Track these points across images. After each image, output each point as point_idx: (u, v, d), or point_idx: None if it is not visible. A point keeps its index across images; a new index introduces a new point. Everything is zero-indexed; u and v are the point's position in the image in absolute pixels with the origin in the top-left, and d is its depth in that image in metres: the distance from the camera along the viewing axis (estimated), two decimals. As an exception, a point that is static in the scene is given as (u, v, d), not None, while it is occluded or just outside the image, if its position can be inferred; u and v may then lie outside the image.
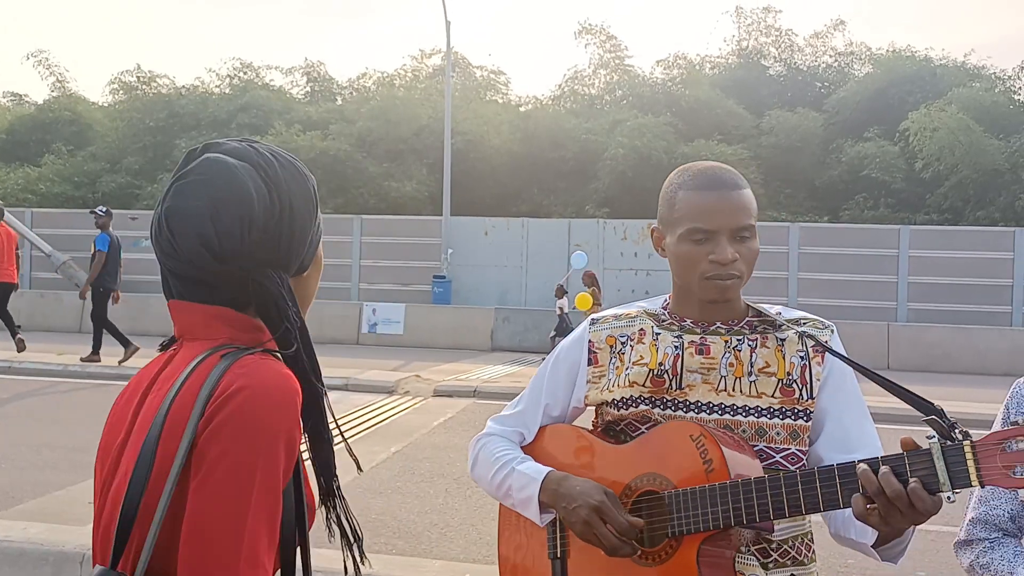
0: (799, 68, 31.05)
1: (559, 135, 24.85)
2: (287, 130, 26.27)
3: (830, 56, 31.44)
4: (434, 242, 18.96)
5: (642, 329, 1.72)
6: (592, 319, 1.82)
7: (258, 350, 1.09)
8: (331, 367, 11.91)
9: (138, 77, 32.34)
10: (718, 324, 1.66)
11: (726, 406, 1.62)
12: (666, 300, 1.76)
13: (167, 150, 28.40)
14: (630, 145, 22.59)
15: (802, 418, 1.61)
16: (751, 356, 1.63)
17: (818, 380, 1.62)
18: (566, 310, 14.89)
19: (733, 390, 1.62)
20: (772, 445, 1.60)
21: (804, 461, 1.61)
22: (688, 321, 1.68)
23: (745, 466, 1.51)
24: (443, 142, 19.54)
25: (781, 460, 1.60)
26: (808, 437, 1.62)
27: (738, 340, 1.64)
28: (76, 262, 19.46)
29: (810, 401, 1.61)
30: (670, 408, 1.64)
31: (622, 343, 1.72)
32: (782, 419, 1.60)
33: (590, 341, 1.76)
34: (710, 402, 1.62)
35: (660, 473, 1.56)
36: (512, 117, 27.01)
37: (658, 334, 1.69)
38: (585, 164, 23.98)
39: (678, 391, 1.63)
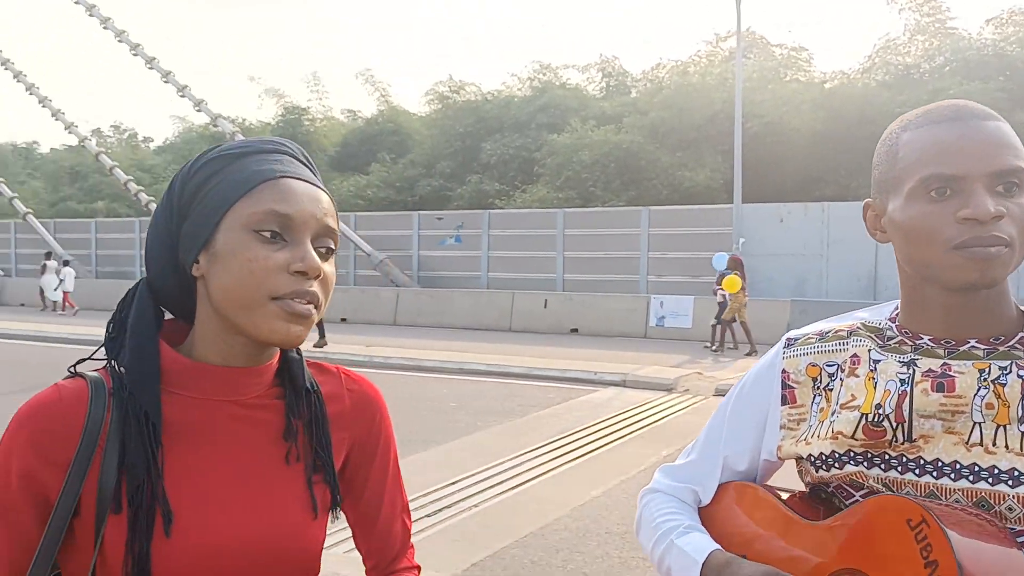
0: None
1: (869, 111, 22.80)
2: (582, 126, 26.77)
3: None
4: (725, 231, 18.25)
5: (856, 355, 1.20)
6: (788, 339, 1.33)
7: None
8: (610, 362, 11.90)
9: (450, 87, 34.69)
10: (972, 343, 1.11)
11: (982, 469, 1.07)
12: (896, 308, 1.22)
13: (475, 153, 30.17)
14: (954, 116, 20.11)
15: None
16: None
17: None
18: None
19: (994, 445, 1.07)
20: None
21: None
22: (926, 339, 1.14)
23: (996, 572, 1.00)
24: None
25: None
26: None
27: (1002, 369, 1.09)
28: (392, 260, 21.32)
29: None
30: (895, 469, 1.11)
31: (829, 374, 1.22)
32: None
33: (784, 371, 1.26)
34: (956, 462, 1.08)
35: (862, 571, 1.09)
36: (815, 95, 25.26)
37: (877, 361, 1.17)
38: (899, 141, 21.76)
39: (907, 444, 1.11)
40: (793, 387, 1.25)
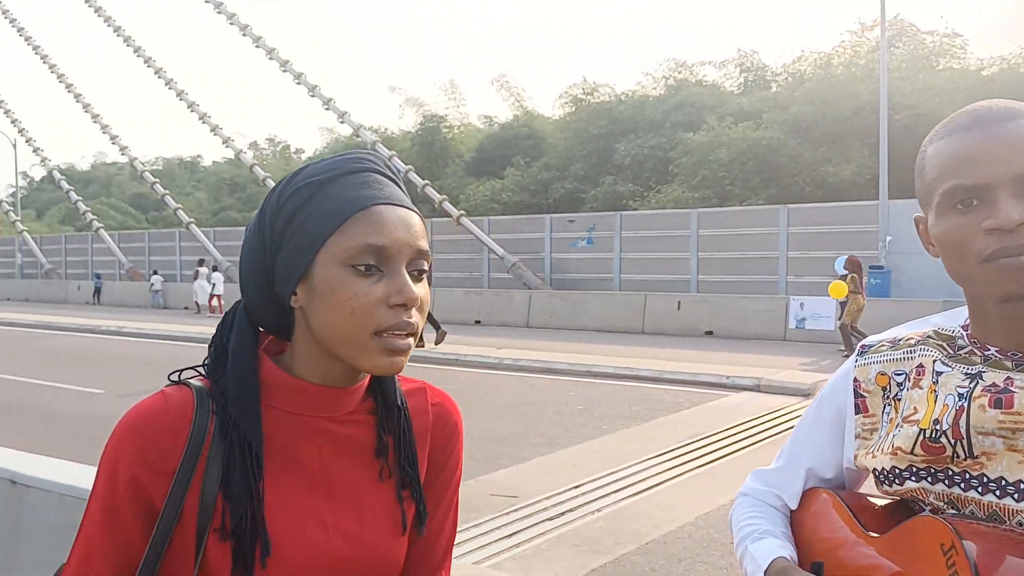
0: None
1: (1033, 97, 21.21)
2: (719, 124, 26.18)
3: None
4: (870, 229, 17.39)
5: (921, 365, 1.14)
6: (863, 345, 1.27)
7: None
8: (744, 365, 11.57)
9: (583, 89, 34.69)
10: None
11: None
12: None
13: (608, 155, 30.05)
14: None
15: None
16: None
17: None
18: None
19: None
20: None
21: None
22: (993, 350, 1.08)
23: None
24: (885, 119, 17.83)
25: None
26: None
27: None
28: (525, 263, 21.51)
29: None
30: (958, 486, 1.06)
31: (898, 384, 1.17)
32: None
33: (856, 380, 1.22)
34: (1020, 481, 1.02)
35: None
36: (970, 83, 23.72)
37: (940, 373, 1.11)
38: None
39: (970, 461, 1.05)
40: (864, 396, 1.21)
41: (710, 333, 16.66)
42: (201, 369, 1.05)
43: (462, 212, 22.72)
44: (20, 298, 33.14)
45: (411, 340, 0.97)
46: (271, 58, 26.96)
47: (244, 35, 27.91)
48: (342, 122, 25.94)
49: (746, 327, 16.22)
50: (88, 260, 35.27)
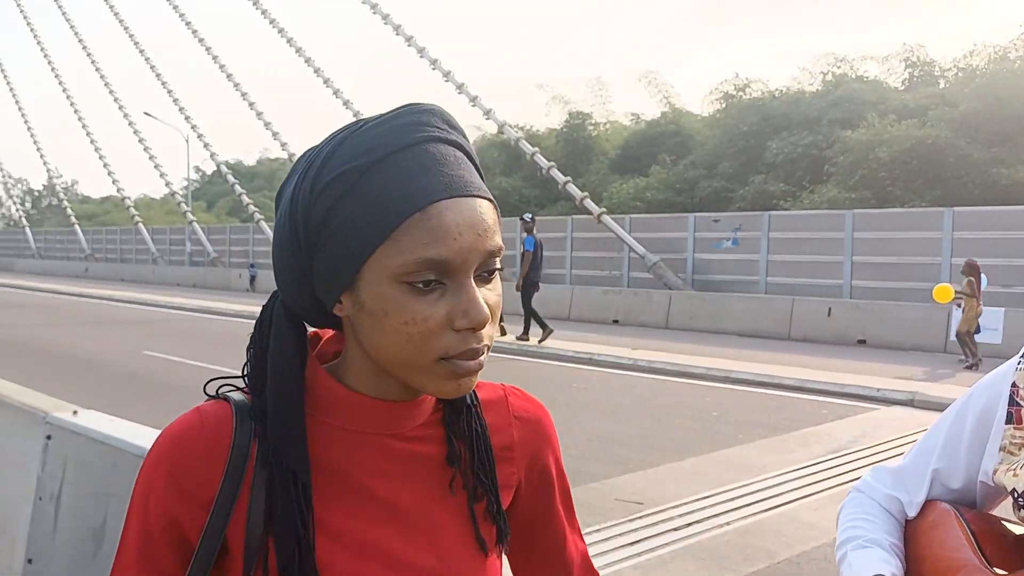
0: None
1: None
2: (880, 121, 24.86)
3: None
4: (1048, 235, 15.98)
5: None
6: None
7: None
8: (899, 377, 10.85)
9: (735, 85, 33.75)
10: None
11: None
12: None
13: (758, 153, 29.09)
14: None
15: None
16: None
17: None
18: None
19: None
20: None
21: None
22: None
23: None
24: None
25: None
26: None
27: None
28: (666, 263, 21.08)
29: None
30: None
31: None
32: None
33: (1015, 386, 1.09)
34: None
35: None
36: None
37: None
38: None
39: None
40: (1021, 405, 1.06)
41: (862, 342, 15.76)
42: (243, 379, 0.89)
43: (603, 210, 22.47)
44: (188, 284, 35.44)
45: (483, 359, 0.81)
46: (422, 57, 27.61)
47: (397, 35, 28.72)
48: (487, 119, 26.25)
49: (902, 336, 15.23)
50: (249, 250, 37.33)
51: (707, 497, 5.71)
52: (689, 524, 5.17)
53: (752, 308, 17.77)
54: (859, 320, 16.09)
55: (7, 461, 3.98)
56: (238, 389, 0.89)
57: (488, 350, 0.82)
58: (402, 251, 0.76)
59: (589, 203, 22.28)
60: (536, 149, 24.65)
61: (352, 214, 0.78)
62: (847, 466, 6.63)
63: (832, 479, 6.26)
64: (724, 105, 33.73)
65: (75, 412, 3.65)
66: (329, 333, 0.94)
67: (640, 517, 5.27)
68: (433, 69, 26.87)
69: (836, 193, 24.30)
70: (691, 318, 18.43)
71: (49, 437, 3.60)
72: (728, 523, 5.23)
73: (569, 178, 23.51)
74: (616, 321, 19.46)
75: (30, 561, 3.49)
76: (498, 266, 0.82)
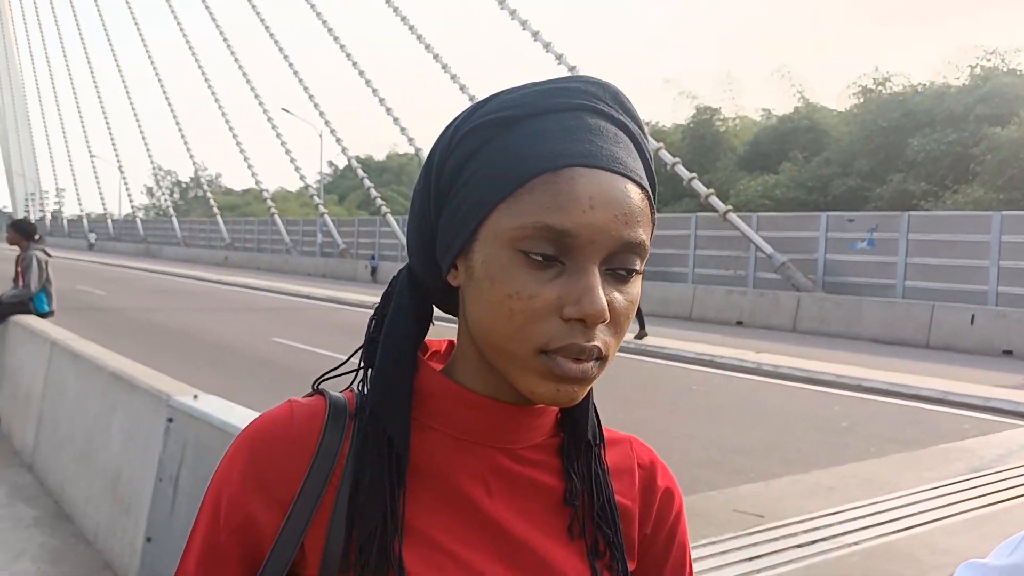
0: None
1: None
2: (1033, 117, 23.16)
3: None
4: None
5: None
6: None
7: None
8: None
9: (874, 79, 32.27)
10: None
11: None
12: None
13: (898, 150, 27.73)
14: None
15: None
16: None
17: None
18: None
19: None
20: None
21: None
22: None
23: None
24: None
25: None
26: None
27: None
28: (795, 263, 20.29)
29: None
30: None
31: None
32: None
33: None
34: None
35: None
36: None
37: None
38: None
39: None
40: None
41: (1009, 352, 14.70)
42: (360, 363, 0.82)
43: (729, 207, 21.83)
44: (318, 274, 36.74)
45: (592, 367, 0.69)
46: (547, 51, 27.62)
47: (524, 30, 28.81)
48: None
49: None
50: (375, 242, 38.35)
51: (833, 513, 5.39)
52: (813, 542, 4.88)
53: (888, 313, 16.87)
54: (1005, 329, 15.03)
55: (136, 443, 4.15)
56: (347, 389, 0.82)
57: (601, 362, 0.70)
58: (521, 212, 0.68)
59: (715, 200, 21.70)
60: (660, 144, 24.20)
61: (481, 166, 0.71)
62: (990, 487, 6.14)
63: (973, 500, 5.81)
64: (862, 100, 32.28)
65: (195, 396, 3.75)
66: (443, 343, 0.85)
67: (760, 531, 5.01)
68: (559, 63, 26.81)
69: (983, 193, 22.84)
70: (821, 322, 17.67)
71: (171, 420, 3.71)
72: (856, 543, 4.91)
73: (694, 174, 22.97)
74: (740, 323, 18.88)
75: (149, 540, 3.60)
76: (637, 267, 0.70)
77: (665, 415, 8.61)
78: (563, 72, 26.66)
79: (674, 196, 31.50)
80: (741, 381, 10.92)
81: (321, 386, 0.82)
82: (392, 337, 0.77)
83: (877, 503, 5.65)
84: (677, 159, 23.63)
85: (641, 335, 13.87)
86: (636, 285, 0.71)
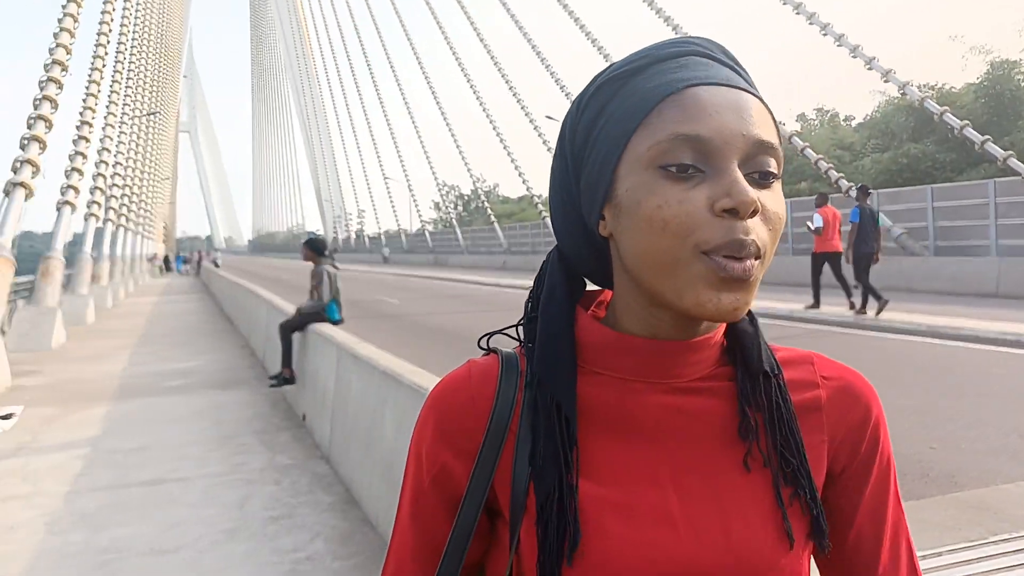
0: None
1: None
2: None
3: None
4: None
5: None
6: None
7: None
8: None
9: None
10: None
11: None
12: None
13: None
14: None
15: None
16: None
17: None
18: None
19: None
20: None
21: None
22: None
23: None
24: None
25: None
26: None
27: None
28: None
29: None
30: None
31: None
32: None
33: None
34: None
35: None
36: None
37: None
38: None
39: None
40: None
41: None
42: (514, 332, 0.90)
43: (1036, 169, 19.33)
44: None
45: (752, 266, 0.71)
46: (798, 12, 26.12)
47: (797, 13, 27.45)
48: (886, 81, 23.91)
49: None
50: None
51: None
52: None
53: None
54: None
55: (404, 434, 4.54)
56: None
57: (760, 262, 0.73)
58: (654, 132, 0.73)
59: (1014, 162, 19.30)
60: (946, 108, 21.95)
61: (613, 111, 0.77)
62: None
63: None
64: None
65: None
66: (608, 293, 0.91)
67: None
68: (839, 45, 25.07)
69: None
70: None
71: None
72: None
73: (988, 137, 20.57)
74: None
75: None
76: (773, 169, 0.74)
77: (960, 402, 7.84)
78: (830, 42, 25.07)
79: (969, 163, 28.41)
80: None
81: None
82: (548, 313, 0.85)
83: None
84: (966, 122, 21.29)
85: (814, 306, 14.35)
86: (778, 189, 0.75)
